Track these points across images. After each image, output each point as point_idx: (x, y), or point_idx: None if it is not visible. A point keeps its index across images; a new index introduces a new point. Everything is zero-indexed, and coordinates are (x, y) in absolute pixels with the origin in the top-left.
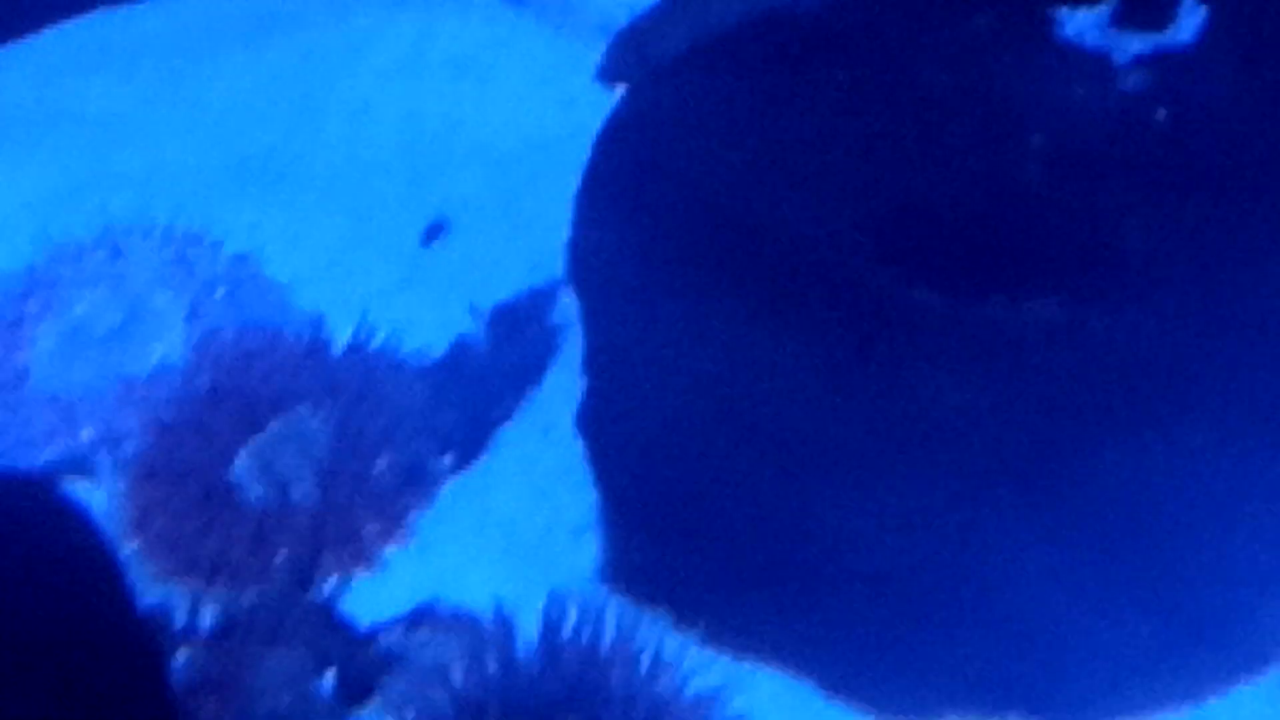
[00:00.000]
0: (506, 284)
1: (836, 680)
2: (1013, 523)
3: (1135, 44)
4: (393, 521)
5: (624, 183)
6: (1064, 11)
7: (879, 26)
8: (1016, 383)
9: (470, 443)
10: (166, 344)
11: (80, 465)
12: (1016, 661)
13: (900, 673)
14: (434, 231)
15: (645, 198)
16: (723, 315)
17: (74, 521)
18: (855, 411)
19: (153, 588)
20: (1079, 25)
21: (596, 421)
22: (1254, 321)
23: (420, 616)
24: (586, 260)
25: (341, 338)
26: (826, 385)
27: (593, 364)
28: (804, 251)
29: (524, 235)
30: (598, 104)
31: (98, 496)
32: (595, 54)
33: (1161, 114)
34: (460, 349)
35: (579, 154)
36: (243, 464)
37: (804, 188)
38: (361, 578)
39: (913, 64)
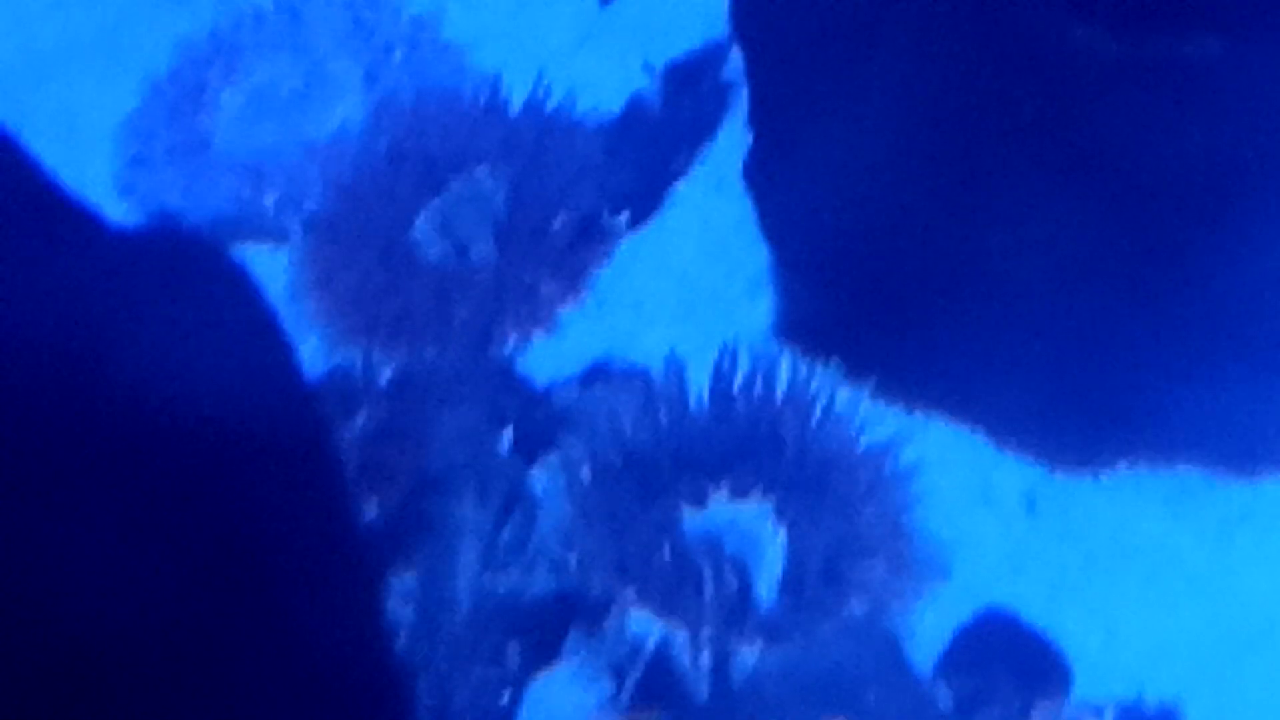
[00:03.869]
0: (682, 40)
1: (1007, 430)
2: (1180, 270)
3: None
4: (570, 279)
5: None
6: None
7: None
8: (1181, 121)
9: (646, 199)
10: (346, 107)
11: (264, 228)
12: (1188, 412)
13: (1070, 422)
14: None
15: None
16: (884, 63)
17: (252, 283)
18: (1021, 152)
19: (335, 346)
20: None
21: (763, 175)
22: None
23: (596, 373)
24: (749, 11)
25: (519, 98)
26: (989, 129)
27: (757, 117)
28: None
29: None
30: None
31: (281, 258)
32: None
33: None
34: (635, 106)
35: None
36: (422, 224)
37: None
38: (539, 336)
39: None
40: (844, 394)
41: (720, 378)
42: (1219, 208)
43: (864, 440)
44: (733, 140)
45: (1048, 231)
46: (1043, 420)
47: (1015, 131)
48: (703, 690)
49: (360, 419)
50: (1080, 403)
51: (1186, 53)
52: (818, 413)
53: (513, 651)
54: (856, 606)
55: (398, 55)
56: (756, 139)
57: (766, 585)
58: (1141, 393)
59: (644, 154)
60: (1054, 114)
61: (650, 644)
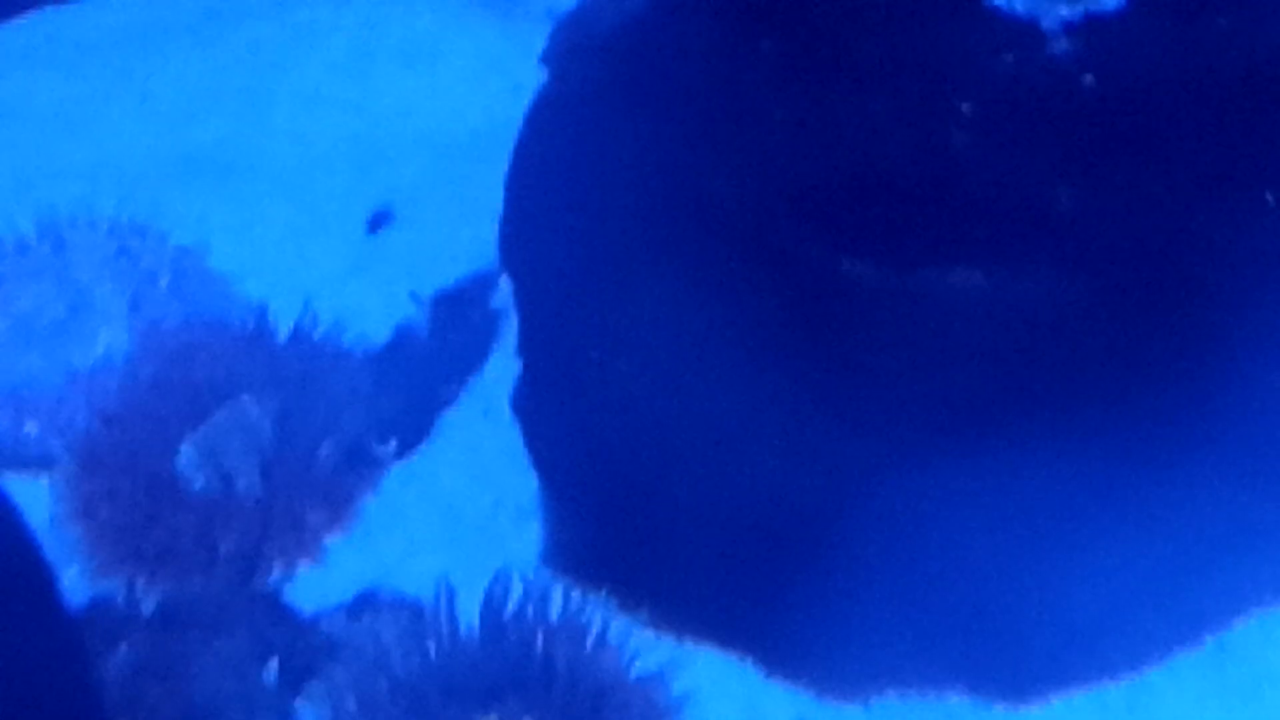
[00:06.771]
0: (451, 270)
1: (776, 660)
2: (948, 495)
3: (1063, 10)
4: (336, 509)
5: (550, 163)
6: None
7: None
8: (946, 353)
9: (414, 428)
10: (110, 335)
11: (25, 457)
12: (957, 637)
13: (839, 651)
14: (379, 220)
15: (572, 178)
16: (653, 293)
17: (13, 513)
18: (788, 385)
19: (98, 577)
20: None
21: (532, 404)
22: (1184, 286)
23: (363, 603)
24: (517, 242)
25: (285, 326)
26: (759, 359)
27: (526, 347)
28: (734, 225)
29: (469, 222)
30: None
31: (42, 488)
32: (543, 39)
33: (1090, 80)
34: (403, 335)
35: None
36: (187, 453)
37: (733, 161)
38: (305, 566)
39: (841, 34)
40: (615, 622)
41: (490, 606)
42: (982, 432)
43: (635, 669)
44: (501, 369)
45: (814, 455)
46: (812, 647)
47: (783, 360)
48: None
49: (123, 651)
50: (848, 630)
51: (952, 285)
52: (589, 641)
53: None
54: None
55: (163, 283)
56: (525, 367)
57: None
58: (908, 620)
59: (412, 382)
60: (822, 342)
61: None
